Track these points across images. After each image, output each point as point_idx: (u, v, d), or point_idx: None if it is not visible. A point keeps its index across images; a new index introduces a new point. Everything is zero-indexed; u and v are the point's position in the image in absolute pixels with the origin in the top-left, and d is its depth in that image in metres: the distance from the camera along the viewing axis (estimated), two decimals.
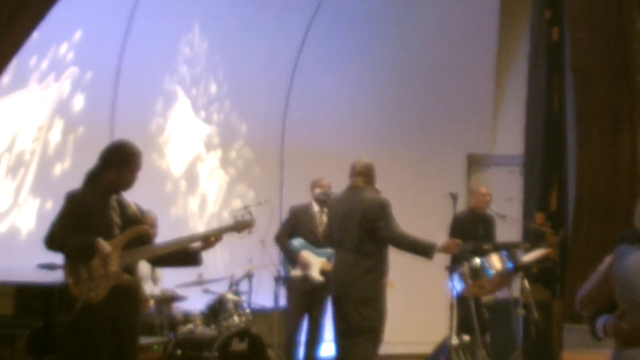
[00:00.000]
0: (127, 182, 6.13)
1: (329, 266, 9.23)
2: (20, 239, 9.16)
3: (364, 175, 8.06)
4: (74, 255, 5.88)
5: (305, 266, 9.23)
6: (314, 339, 9.41)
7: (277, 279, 9.53)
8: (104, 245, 5.85)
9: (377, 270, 7.89)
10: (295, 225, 9.41)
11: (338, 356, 7.95)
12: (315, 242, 9.39)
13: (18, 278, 7.06)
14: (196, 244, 6.26)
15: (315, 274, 9.28)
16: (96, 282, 5.86)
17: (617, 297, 4.53)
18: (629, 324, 4.48)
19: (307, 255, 9.29)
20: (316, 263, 9.29)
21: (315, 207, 9.52)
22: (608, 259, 4.61)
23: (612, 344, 4.66)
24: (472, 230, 10.12)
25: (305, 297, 9.26)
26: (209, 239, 6.25)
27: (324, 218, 9.46)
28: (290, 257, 9.21)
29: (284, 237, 9.30)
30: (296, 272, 9.19)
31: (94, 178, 6.11)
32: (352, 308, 7.80)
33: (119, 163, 6.07)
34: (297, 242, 9.31)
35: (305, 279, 9.22)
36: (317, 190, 9.50)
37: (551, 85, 12.30)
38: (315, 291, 9.30)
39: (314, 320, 9.39)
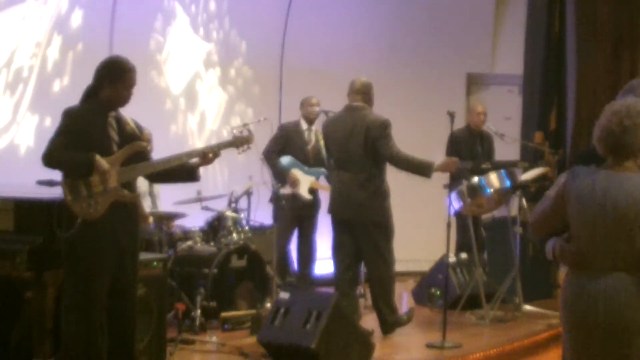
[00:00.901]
0: (122, 98, 6.09)
1: (317, 185, 9.29)
2: (20, 155, 9.17)
3: (362, 93, 8.06)
4: (72, 172, 5.89)
5: (294, 184, 9.25)
6: (306, 257, 9.48)
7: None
8: (102, 161, 5.86)
9: (383, 192, 7.94)
10: (284, 143, 9.39)
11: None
12: (304, 161, 9.40)
13: (17, 194, 7.07)
14: (194, 160, 6.26)
15: (304, 193, 9.32)
16: (95, 198, 5.87)
17: (569, 218, 4.43)
18: (575, 247, 4.39)
19: (297, 173, 9.31)
20: (305, 181, 9.32)
21: (304, 126, 9.53)
22: (562, 179, 4.47)
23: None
24: (469, 149, 10.11)
25: (294, 215, 9.28)
26: (207, 155, 6.25)
27: (312, 137, 9.48)
28: (279, 175, 9.18)
29: (273, 154, 9.25)
30: (285, 190, 9.19)
31: (90, 95, 6.08)
32: (365, 232, 7.88)
33: (113, 79, 6.03)
34: (285, 160, 9.31)
35: (295, 197, 9.24)
36: (316, 109, 9.49)
37: (552, 6, 12.24)
38: (304, 209, 9.34)
39: (304, 238, 9.45)
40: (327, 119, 8.45)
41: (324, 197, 8.97)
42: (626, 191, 4.32)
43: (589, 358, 4.42)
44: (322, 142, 9.52)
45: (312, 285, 9.49)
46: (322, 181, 9.47)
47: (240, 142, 6.47)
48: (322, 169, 9.45)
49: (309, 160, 9.43)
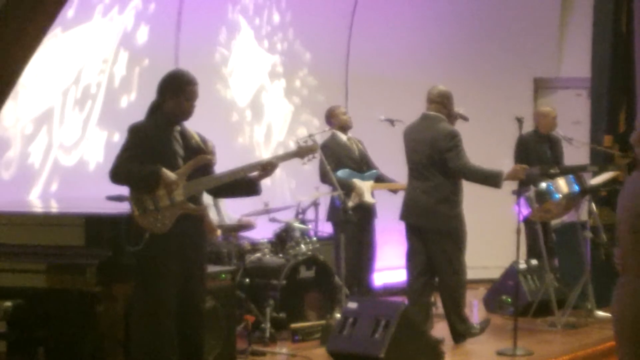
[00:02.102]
0: (185, 111, 6.14)
1: (378, 186, 9.31)
2: (89, 171, 9.27)
3: (436, 102, 8.07)
4: (139, 185, 5.96)
5: (360, 193, 9.26)
6: (366, 268, 9.47)
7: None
8: (169, 174, 5.92)
9: (452, 200, 7.92)
10: (336, 160, 9.33)
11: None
12: (358, 169, 9.40)
13: (88, 209, 7.17)
14: (254, 174, 6.27)
15: (369, 198, 9.34)
16: (162, 212, 5.94)
17: None
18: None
19: (357, 182, 9.32)
20: (366, 187, 9.33)
21: (343, 136, 9.49)
22: None
23: None
24: (538, 153, 10.01)
25: (357, 226, 9.24)
26: (266, 167, 6.25)
27: (354, 145, 9.48)
28: (345, 188, 9.09)
29: (330, 173, 9.05)
30: (353, 202, 9.19)
31: (155, 110, 6.16)
32: (434, 239, 7.88)
33: (174, 92, 6.09)
34: (343, 173, 9.28)
35: (359, 207, 9.22)
36: (347, 116, 9.45)
37: (619, 6, 12.10)
38: (365, 215, 9.33)
39: (365, 249, 9.43)
40: (407, 127, 8.41)
41: (382, 200, 8.98)
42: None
43: None
44: (361, 147, 9.52)
45: (374, 295, 9.50)
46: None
47: (305, 151, 6.49)
48: (374, 170, 9.48)
49: (362, 168, 9.44)
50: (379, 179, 9.52)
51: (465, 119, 8.44)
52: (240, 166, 6.26)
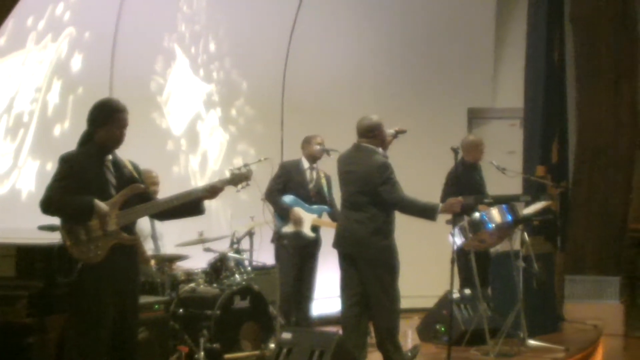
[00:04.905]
0: (115, 139, 6.10)
1: (320, 222, 9.31)
2: (21, 200, 9.17)
3: (366, 137, 8.04)
4: (72, 217, 5.90)
5: (297, 222, 9.26)
6: (305, 297, 9.45)
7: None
8: (101, 205, 5.87)
9: (384, 231, 7.92)
10: (286, 182, 9.40)
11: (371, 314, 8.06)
12: (306, 199, 9.41)
13: (19, 240, 7.08)
14: (199, 194, 6.25)
15: (307, 230, 9.33)
16: (95, 242, 5.89)
17: None
18: None
19: (299, 211, 9.32)
20: (308, 219, 9.33)
21: (306, 164, 9.53)
22: None
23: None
24: (469, 182, 10.10)
25: (296, 254, 9.26)
26: (206, 195, 6.24)
27: (314, 175, 9.50)
28: (282, 213, 9.20)
29: (275, 193, 9.28)
30: (288, 229, 9.22)
31: (86, 139, 6.11)
32: (368, 269, 7.86)
33: (104, 121, 6.05)
34: (288, 198, 9.32)
35: (298, 235, 9.24)
36: (317, 147, 9.50)
37: (551, 37, 12.29)
38: (306, 247, 9.35)
39: (304, 278, 9.42)
40: (339, 157, 8.40)
41: (327, 235, 8.95)
42: None
43: None
44: (323, 181, 9.55)
45: (312, 324, 9.48)
46: (325, 218, 9.48)
47: (238, 179, 6.44)
48: (325, 206, 9.47)
49: (310, 199, 9.45)
50: (331, 217, 9.51)
51: (403, 132, 8.43)
52: (176, 194, 6.22)
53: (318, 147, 9.51)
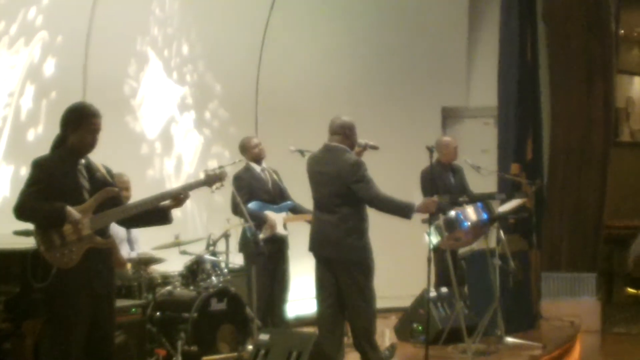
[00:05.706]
0: (88, 143, 6.07)
1: (291, 219, 9.28)
2: None
3: (338, 134, 8.00)
4: (44, 223, 5.87)
5: (273, 226, 9.23)
6: (280, 299, 9.43)
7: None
8: (73, 212, 5.84)
9: (358, 230, 7.90)
10: (250, 191, 9.30)
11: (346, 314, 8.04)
12: (271, 201, 9.37)
13: None
14: (166, 203, 6.23)
15: (281, 230, 9.31)
16: (69, 247, 5.85)
17: None
18: None
19: (271, 214, 9.29)
20: (279, 220, 9.31)
21: (257, 168, 9.45)
22: None
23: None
24: (443, 182, 10.15)
25: (269, 258, 9.20)
26: (178, 197, 6.23)
27: (268, 175, 9.47)
28: (257, 220, 9.08)
29: (242, 205, 9.05)
30: (264, 234, 9.17)
31: (59, 144, 6.09)
32: (344, 270, 7.85)
33: (76, 125, 6.03)
34: (254, 205, 9.24)
35: (271, 239, 9.20)
36: (259, 148, 9.44)
37: (524, 36, 12.32)
38: (280, 250, 9.33)
39: (279, 281, 9.39)
40: (309, 158, 8.37)
41: (299, 235, 8.95)
42: None
43: None
44: (276, 177, 9.52)
45: (289, 326, 9.47)
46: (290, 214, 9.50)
47: (212, 180, 6.43)
48: (288, 202, 9.45)
49: (275, 199, 9.41)
50: (294, 210, 9.49)
51: (375, 148, 8.45)
52: (148, 197, 6.20)
53: (258, 148, 9.46)
